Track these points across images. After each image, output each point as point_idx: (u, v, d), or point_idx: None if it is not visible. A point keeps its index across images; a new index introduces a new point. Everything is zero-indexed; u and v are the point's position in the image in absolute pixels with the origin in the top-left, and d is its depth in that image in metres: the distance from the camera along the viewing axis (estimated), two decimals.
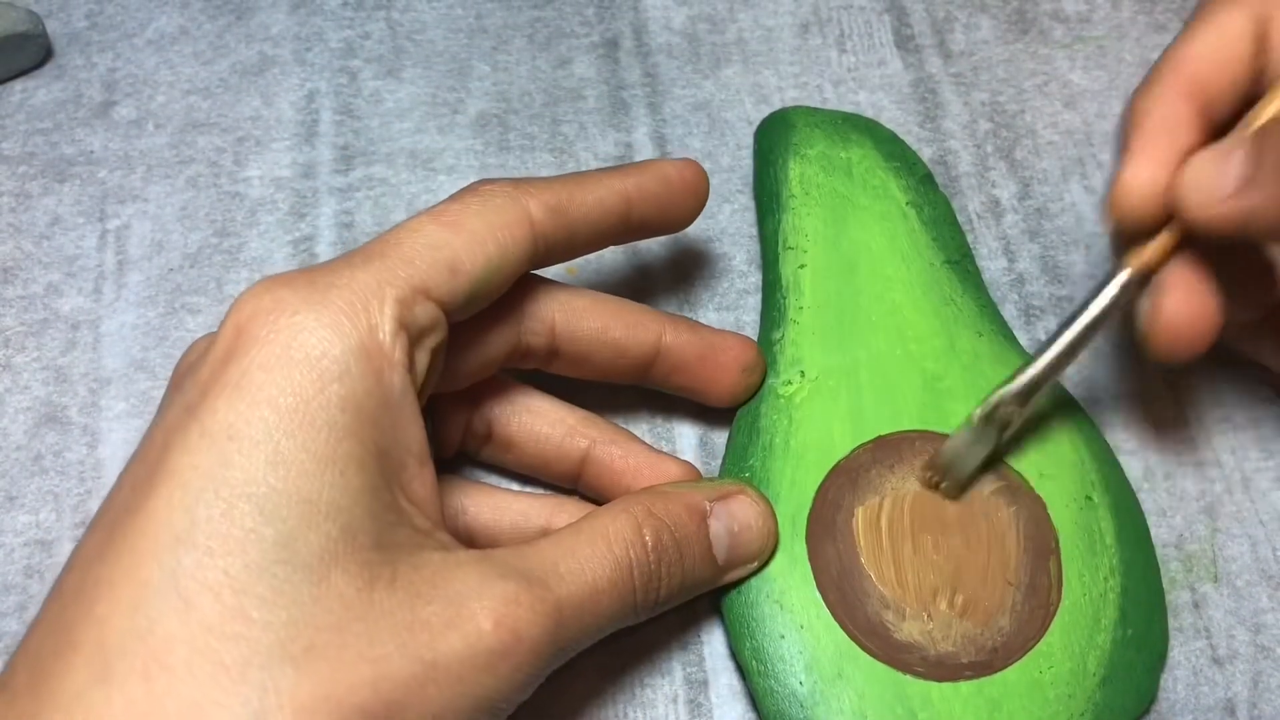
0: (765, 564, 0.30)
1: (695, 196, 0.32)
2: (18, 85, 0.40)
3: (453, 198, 0.28)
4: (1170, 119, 0.29)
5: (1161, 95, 0.29)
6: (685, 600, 0.29)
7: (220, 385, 0.23)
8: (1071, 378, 0.34)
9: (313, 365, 0.24)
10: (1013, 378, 0.30)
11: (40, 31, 0.40)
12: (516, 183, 0.29)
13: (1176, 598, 0.31)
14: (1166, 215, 0.29)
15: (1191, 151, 0.29)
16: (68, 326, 0.36)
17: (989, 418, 0.30)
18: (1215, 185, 0.27)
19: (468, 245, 0.27)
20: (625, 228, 0.31)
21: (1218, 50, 0.29)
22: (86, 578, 0.23)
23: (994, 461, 0.31)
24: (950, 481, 0.31)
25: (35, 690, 0.22)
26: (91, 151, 0.39)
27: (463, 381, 0.30)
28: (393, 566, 0.24)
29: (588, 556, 0.26)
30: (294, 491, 0.23)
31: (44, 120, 0.40)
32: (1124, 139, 0.30)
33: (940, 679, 0.29)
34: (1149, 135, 0.29)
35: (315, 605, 0.22)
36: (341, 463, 0.23)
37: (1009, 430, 0.31)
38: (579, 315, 0.31)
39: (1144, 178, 0.29)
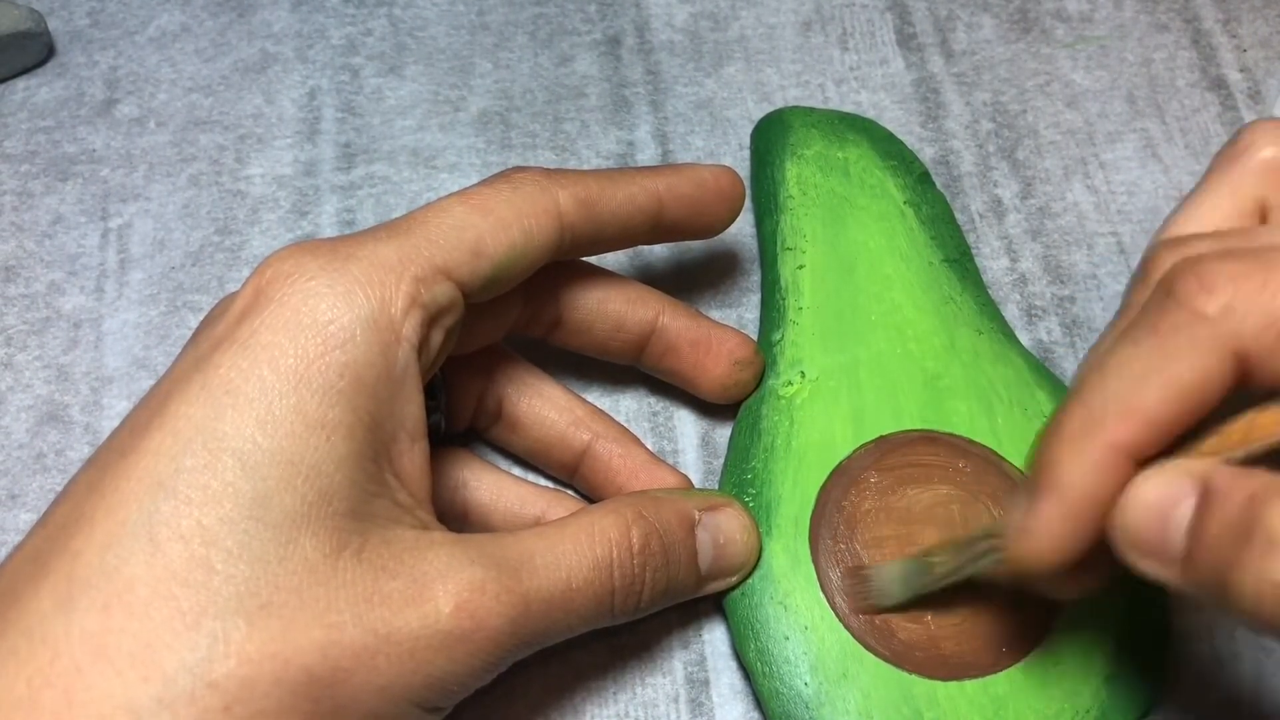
0: (745, 579, 0.30)
1: (729, 203, 0.32)
2: (20, 83, 0.40)
3: (485, 181, 0.28)
4: (1098, 482, 0.23)
5: (1090, 452, 0.23)
6: (664, 607, 0.29)
7: (229, 342, 0.24)
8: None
9: (319, 330, 0.24)
10: (929, 563, 0.28)
11: (42, 30, 0.40)
12: (549, 172, 0.29)
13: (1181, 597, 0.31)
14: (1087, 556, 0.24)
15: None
16: (70, 325, 0.36)
17: (908, 578, 0.29)
18: (1157, 538, 0.22)
19: (493, 230, 0.27)
20: (655, 228, 0.31)
21: (1182, 399, 0.22)
22: (72, 512, 0.23)
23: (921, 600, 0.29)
24: (869, 597, 0.30)
25: (3, 611, 0.23)
26: (93, 150, 0.39)
27: (469, 346, 0.30)
28: (363, 537, 0.24)
29: (567, 552, 0.26)
30: (278, 451, 0.23)
31: (46, 119, 0.40)
32: (1034, 477, 0.24)
33: (946, 678, 0.29)
34: (1065, 493, 0.23)
35: (279, 565, 0.23)
36: (330, 428, 0.24)
37: (926, 591, 0.29)
38: (583, 283, 0.31)
39: (1055, 532, 0.23)
